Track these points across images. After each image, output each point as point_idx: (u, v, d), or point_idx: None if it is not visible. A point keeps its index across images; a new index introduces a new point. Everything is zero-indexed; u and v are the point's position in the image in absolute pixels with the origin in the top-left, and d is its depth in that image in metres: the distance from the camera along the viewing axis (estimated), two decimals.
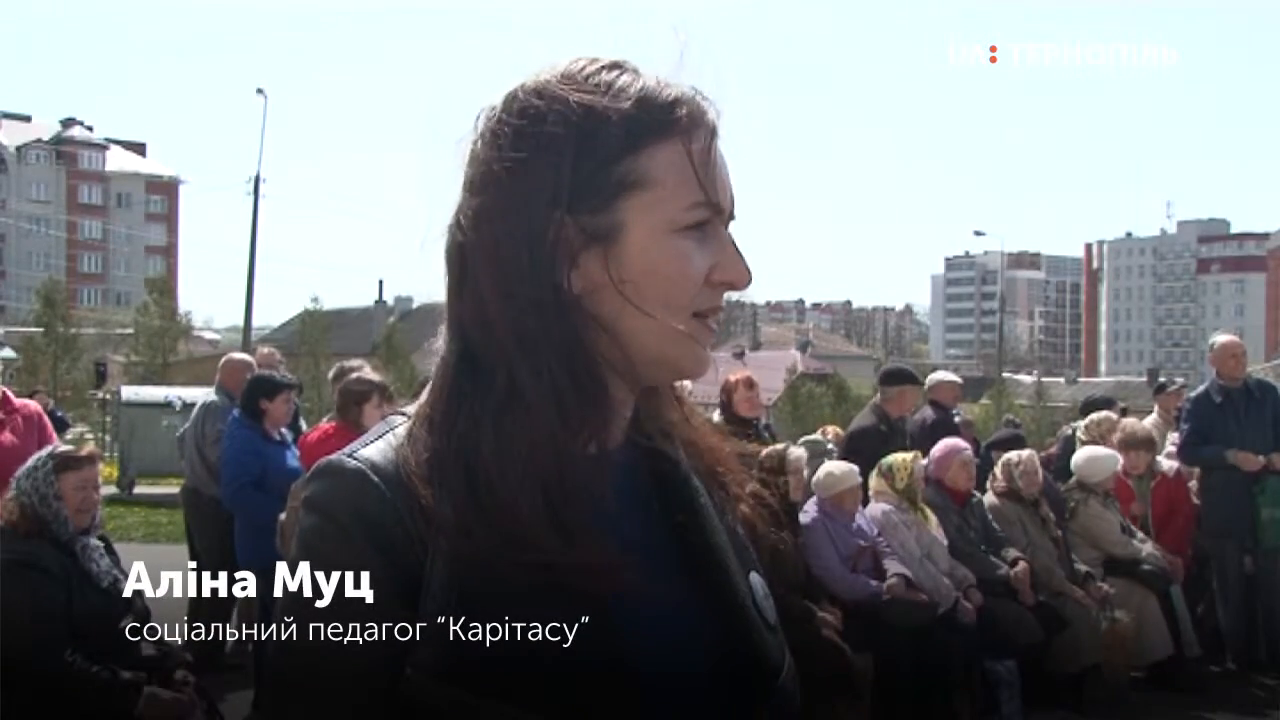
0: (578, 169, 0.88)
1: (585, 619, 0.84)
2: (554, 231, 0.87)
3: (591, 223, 0.88)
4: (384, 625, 0.84)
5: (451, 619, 0.83)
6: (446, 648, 0.82)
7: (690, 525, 0.97)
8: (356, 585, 0.85)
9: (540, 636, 0.83)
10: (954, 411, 7.58)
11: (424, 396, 0.93)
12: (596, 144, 0.88)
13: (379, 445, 0.90)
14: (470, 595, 0.83)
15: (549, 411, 0.86)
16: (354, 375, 5.14)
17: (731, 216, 0.94)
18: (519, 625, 0.83)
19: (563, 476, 0.86)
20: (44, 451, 3.57)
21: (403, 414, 0.94)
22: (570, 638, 0.84)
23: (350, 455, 0.89)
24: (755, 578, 1.00)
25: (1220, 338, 6.71)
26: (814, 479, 5.42)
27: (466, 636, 0.82)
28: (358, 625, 0.84)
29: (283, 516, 4.78)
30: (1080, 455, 6.61)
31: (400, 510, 0.85)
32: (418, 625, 0.83)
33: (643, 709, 0.85)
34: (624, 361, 0.91)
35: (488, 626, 0.83)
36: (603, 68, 0.91)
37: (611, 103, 0.89)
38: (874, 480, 5.66)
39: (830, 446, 7.29)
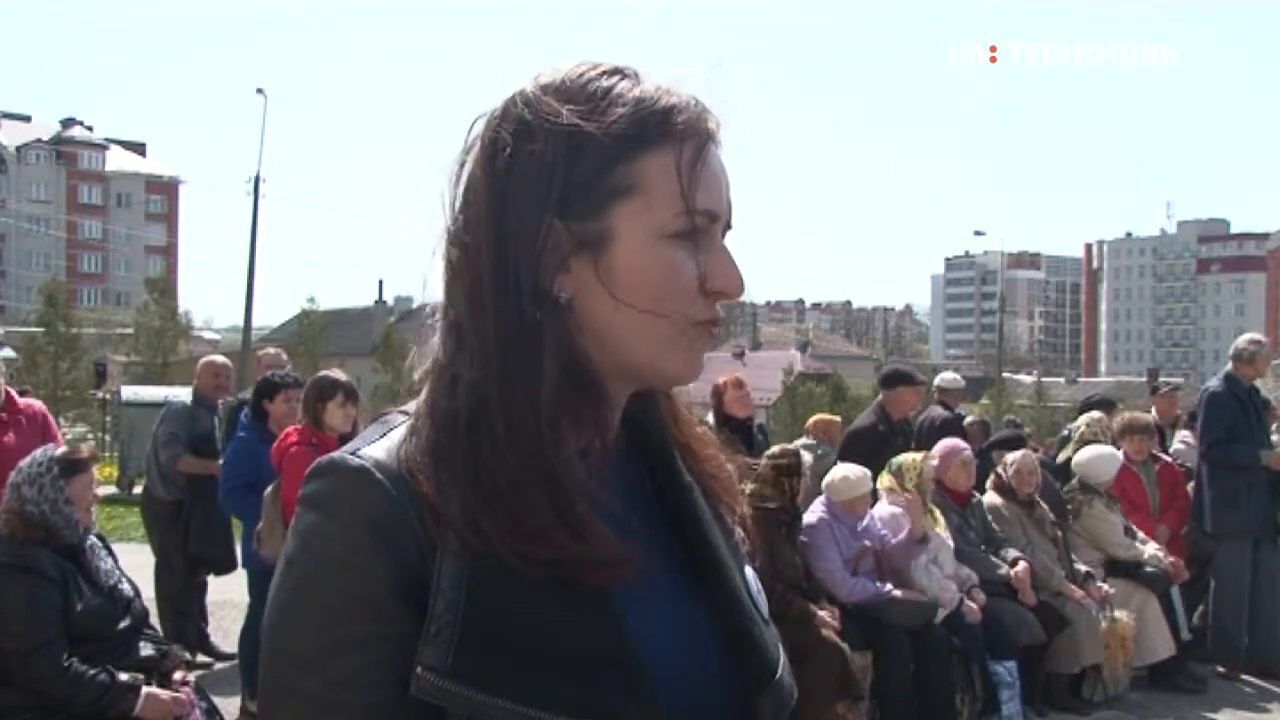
0: (570, 174, 0.88)
1: (593, 614, 0.84)
2: (545, 236, 0.88)
3: (582, 229, 0.88)
4: (387, 625, 0.83)
5: (461, 616, 0.82)
6: (456, 646, 0.81)
7: (686, 522, 0.97)
8: (359, 584, 0.83)
9: (549, 632, 0.83)
10: (963, 415, 7.62)
11: (423, 395, 0.92)
12: (590, 150, 0.88)
13: (381, 443, 0.89)
14: (479, 592, 0.82)
15: (539, 416, 0.86)
16: (320, 374, 5.04)
17: (729, 226, 0.94)
18: (528, 621, 0.83)
19: (562, 475, 0.86)
20: (42, 457, 3.49)
21: (403, 412, 0.94)
22: (578, 633, 0.83)
23: (352, 453, 0.88)
24: (749, 572, 1.01)
25: (1258, 337, 6.66)
26: (825, 481, 5.41)
27: (476, 634, 0.82)
28: (363, 626, 0.83)
29: (260, 525, 4.77)
30: (1082, 456, 6.61)
31: (406, 508, 0.84)
32: (427, 624, 0.82)
33: (650, 703, 0.85)
34: (615, 367, 0.91)
35: (497, 623, 0.82)
36: (602, 73, 0.91)
37: (607, 109, 0.89)
38: (884, 479, 5.65)
39: (811, 441, 7.31)
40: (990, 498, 6.20)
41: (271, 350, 8.28)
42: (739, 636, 0.95)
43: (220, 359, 6.99)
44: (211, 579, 6.59)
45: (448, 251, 0.92)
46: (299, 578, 0.86)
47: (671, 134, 0.89)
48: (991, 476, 6.36)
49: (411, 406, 0.93)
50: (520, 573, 0.83)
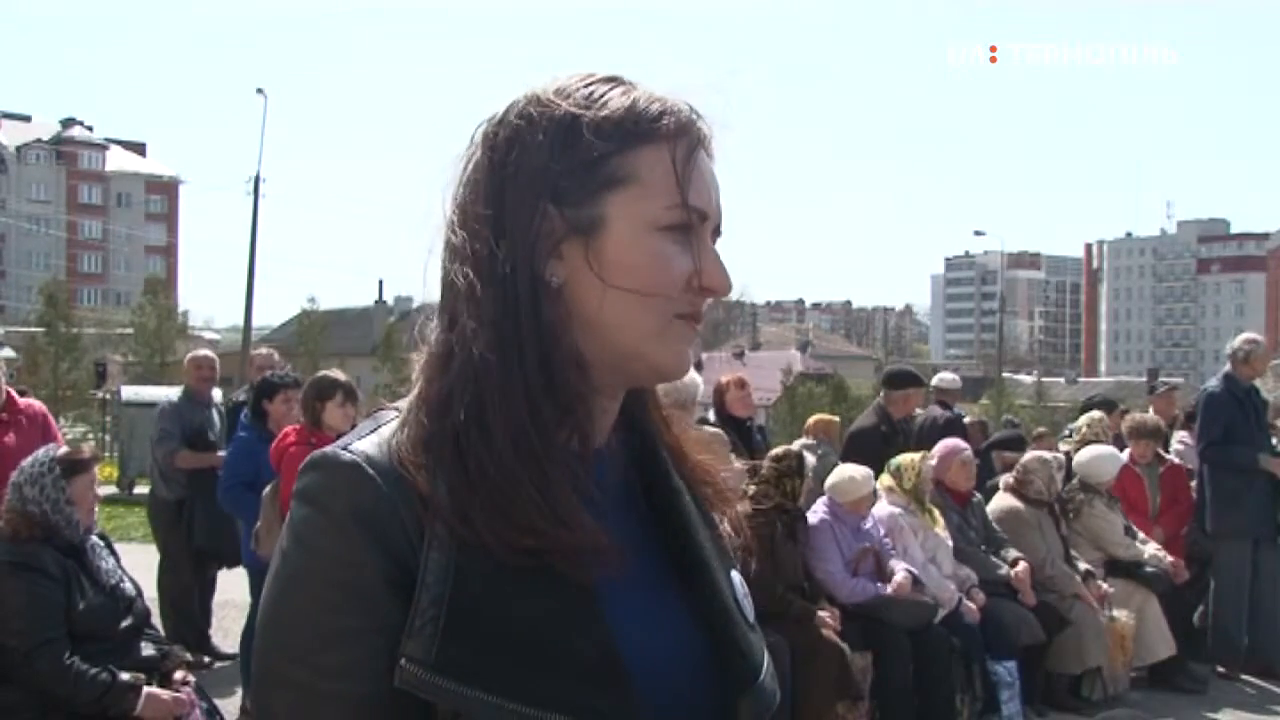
0: (565, 162, 0.91)
1: (575, 608, 0.85)
2: (539, 222, 0.90)
3: (575, 215, 0.91)
4: (379, 617, 0.84)
5: (445, 610, 0.83)
6: (440, 639, 0.82)
7: (675, 524, 0.99)
8: (350, 577, 0.84)
9: (532, 626, 0.84)
10: (963, 415, 7.61)
11: (415, 389, 0.94)
12: (584, 140, 0.91)
13: (372, 438, 0.91)
14: (464, 585, 0.84)
15: (528, 401, 0.88)
16: (319, 374, 5.05)
17: (718, 231, 0.97)
18: (511, 615, 0.84)
19: (549, 464, 0.87)
20: (44, 457, 3.49)
21: (394, 409, 0.95)
22: (560, 627, 0.84)
23: (344, 448, 0.89)
24: (735, 576, 1.02)
25: (1254, 337, 6.65)
26: (829, 481, 5.41)
27: (460, 627, 0.82)
28: (355, 618, 0.84)
29: (259, 524, 4.77)
30: (1083, 455, 6.60)
31: (396, 502, 0.86)
32: (412, 616, 0.83)
33: (629, 699, 0.85)
34: (604, 357, 0.93)
35: (481, 616, 0.83)
36: (599, 80, 0.95)
37: (602, 108, 0.92)
38: (884, 479, 5.64)
39: (811, 441, 7.31)
40: (1007, 500, 6.17)
41: (264, 350, 8.25)
42: (721, 638, 0.96)
43: (204, 352, 6.98)
44: (216, 580, 6.59)
45: (446, 244, 0.94)
46: (292, 571, 0.87)
47: (663, 132, 0.93)
48: (1008, 477, 6.35)
49: (403, 403, 0.94)
50: (505, 565, 0.84)
